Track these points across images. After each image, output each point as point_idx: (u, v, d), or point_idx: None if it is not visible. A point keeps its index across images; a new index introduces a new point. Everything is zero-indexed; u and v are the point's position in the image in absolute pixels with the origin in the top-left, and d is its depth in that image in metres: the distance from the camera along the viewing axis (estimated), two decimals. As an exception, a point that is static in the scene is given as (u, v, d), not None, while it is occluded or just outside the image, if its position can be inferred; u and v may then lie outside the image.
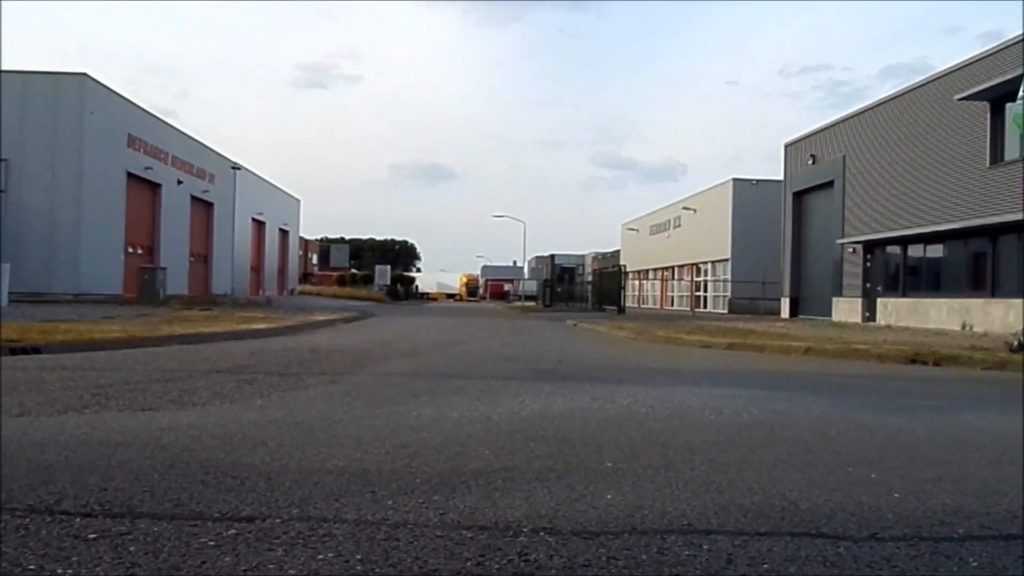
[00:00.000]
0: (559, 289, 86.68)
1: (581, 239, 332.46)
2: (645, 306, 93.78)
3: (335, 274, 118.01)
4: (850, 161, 48.28)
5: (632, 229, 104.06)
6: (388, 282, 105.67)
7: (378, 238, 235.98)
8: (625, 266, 63.88)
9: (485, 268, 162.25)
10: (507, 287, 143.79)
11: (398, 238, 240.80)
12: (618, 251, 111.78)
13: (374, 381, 12.64)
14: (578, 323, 37.50)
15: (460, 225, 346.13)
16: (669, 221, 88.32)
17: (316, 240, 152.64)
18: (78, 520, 5.49)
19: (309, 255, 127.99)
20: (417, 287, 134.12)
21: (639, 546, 5.29)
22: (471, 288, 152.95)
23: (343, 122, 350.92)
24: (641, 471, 7.11)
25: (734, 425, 9.41)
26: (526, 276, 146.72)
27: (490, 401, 10.78)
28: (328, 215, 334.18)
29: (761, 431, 9.10)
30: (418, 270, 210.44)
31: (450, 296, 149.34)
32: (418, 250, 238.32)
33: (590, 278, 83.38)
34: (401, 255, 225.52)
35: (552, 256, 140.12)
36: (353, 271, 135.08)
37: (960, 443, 8.75)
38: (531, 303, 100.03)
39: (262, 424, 8.74)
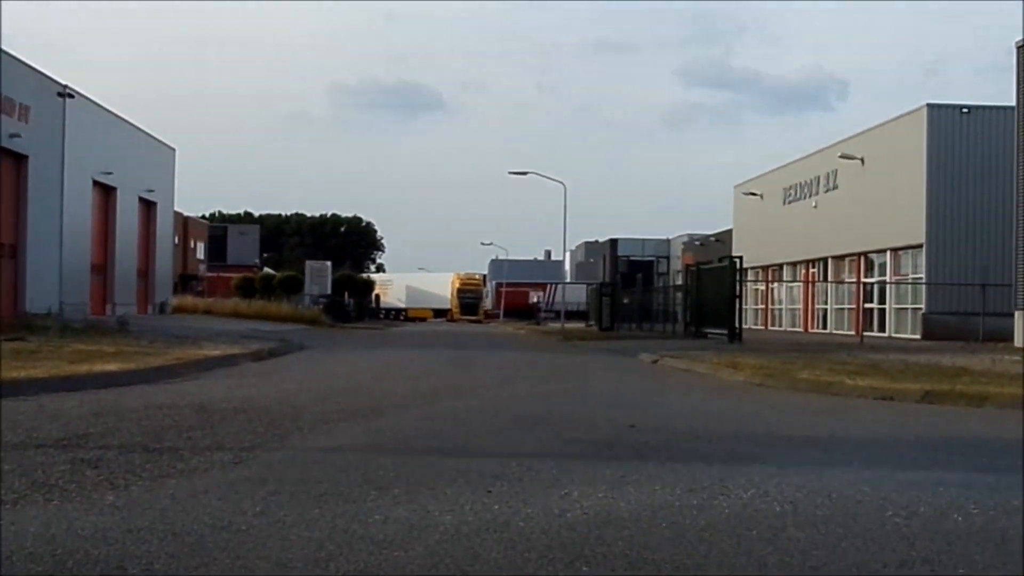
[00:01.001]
0: (626, 300, 60.00)
1: (662, 215, 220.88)
2: (776, 327, 63.09)
3: (236, 276, 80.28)
4: None
5: (752, 194, 69.06)
6: (328, 290, 72.65)
7: (311, 214, 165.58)
8: (741, 259, 41.83)
9: (495, 265, 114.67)
10: (535, 297, 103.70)
11: (345, 215, 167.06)
12: (728, 233, 75.26)
13: (307, 461, 9.28)
14: (661, 358, 27.92)
15: (451, 191, 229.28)
16: (817, 180, 58.58)
17: (203, 218, 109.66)
18: None
19: (192, 243, 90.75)
20: (378, 298, 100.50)
21: None
22: (469, 298, 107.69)
23: (250, 16, 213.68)
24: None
25: (940, 535, 6.48)
26: (568, 278, 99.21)
27: (511, 495, 7.64)
28: (225, 176, 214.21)
29: (989, 546, 6.21)
30: (380, 268, 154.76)
31: (439, 314, 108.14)
32: (380, 235, 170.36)
33: (679, 280, 61.09)
34: (351, 244, 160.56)
35: (613, 244, 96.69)
36: (267, 270, 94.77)
37: None
38: (577, 324, 71.06)
39: (115, 536, 6.18)
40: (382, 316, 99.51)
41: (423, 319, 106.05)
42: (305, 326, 52.03)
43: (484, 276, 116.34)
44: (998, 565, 5.85)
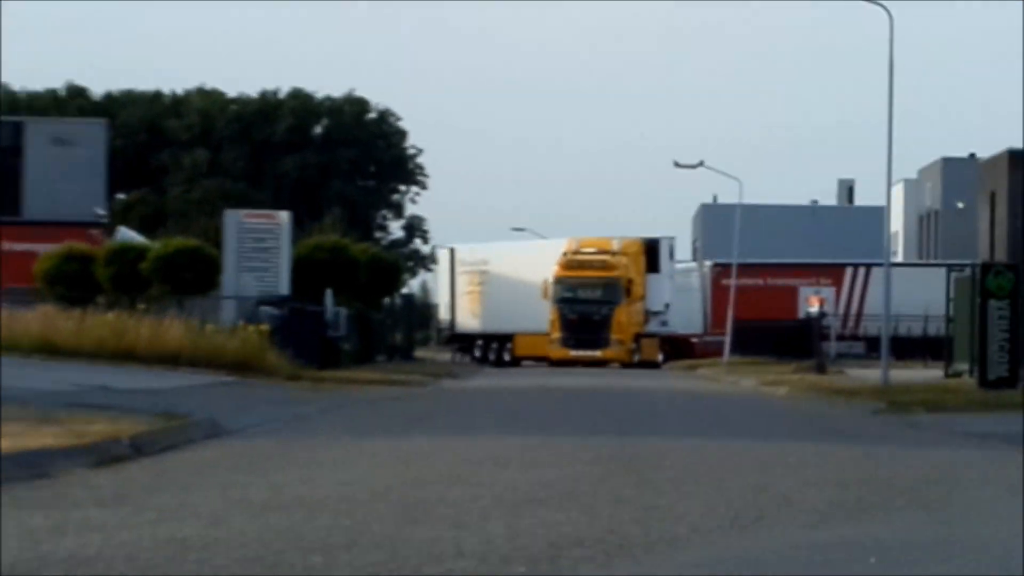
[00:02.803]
0: None
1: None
2: None
3: (47, 248, 43.78)
4: None
5: None
6: (285, 285, 38.58)
7: (251, 93, 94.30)
8: None
9: (709, 216, 79.06)
10: (809, 300, 54.38)
11: (336, 91, 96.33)
12: None
13: None
14: None
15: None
16: None
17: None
18: None
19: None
20: (451, 322, 63.86)
21: None
22: (587, 305, 56.35)
23: None
24: None
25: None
26: (899, 252, 66.72)
27: None
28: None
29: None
30: (412, 231, 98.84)
31: (579, 341, 56.28)
32: (416, 153, 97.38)
33: None
34: (356, 166, 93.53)
35: (1017, 157, 47.56)
36: (127, 233, 51.14)
37: None
38: (917, 370, 41.45)
39: None
40: (454, 348, 63.67)
41: (540, 358, 59.28)
42: (227, 375, 29.74)
43: (647, 244, 59.55)
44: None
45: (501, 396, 30.49)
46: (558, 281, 56.44)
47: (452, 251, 66.02)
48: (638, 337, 57.09)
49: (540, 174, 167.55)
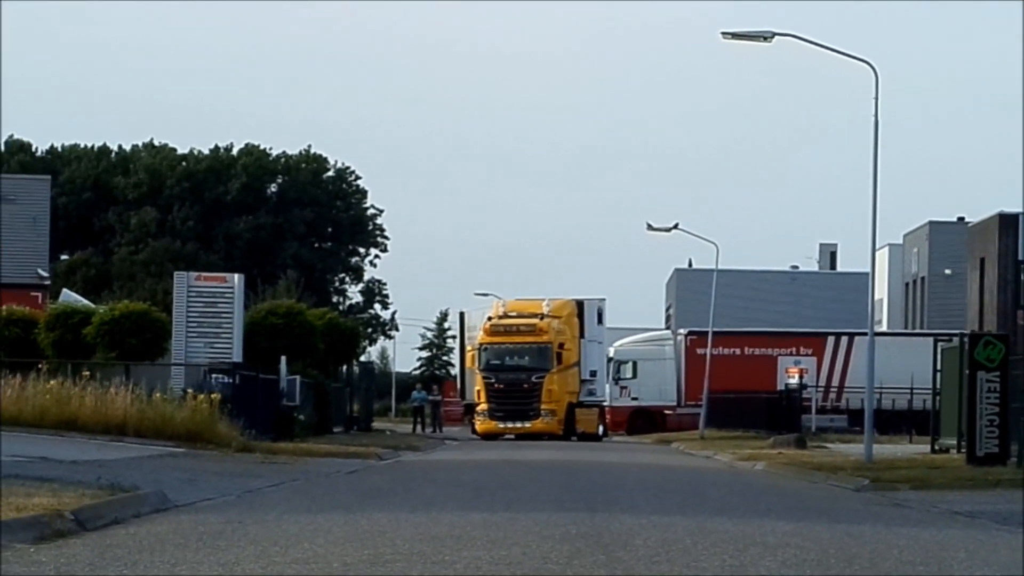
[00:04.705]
0: None
1: None
2: None
3: None
4: None
5: None
6: (238, 352, 37.23)
7: (203, 149, 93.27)
8: None
9: (682, 280, 79.62)
10: (790, 369, 55.01)
11: (296, 150, 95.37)
12: None
13: None
14: None
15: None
16: None
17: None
18: None
19: None
20: (461, 390, 62.09)
21: None
22: (513, 375, 52.95)
23: None
24: None
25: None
26: (884, 320, 68.09)
27: None
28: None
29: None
30: (372, 294, 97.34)
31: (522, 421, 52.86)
32: (376, 213, 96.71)
33: None
34: (316, 227, 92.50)
35: (1007, 223, 51.69)
36: (70, 296, 47.82)
37: None
38: (902, 445, 41.27)
39: None
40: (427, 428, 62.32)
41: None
42: (176, 446, 29.70)
43: (582, 305, 56.45)
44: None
45: (464, 470, 30.09)
46: (484, 348, 53.23)
47: (462, 316, 62.48)
48: (572, 407, 53.43)
49: (508, 236, 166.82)
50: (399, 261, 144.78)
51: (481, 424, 53.59)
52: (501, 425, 52.73)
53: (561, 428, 52.66)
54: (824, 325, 67.52)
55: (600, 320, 57.03)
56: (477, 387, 53.75)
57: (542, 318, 53.40)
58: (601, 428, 55.47)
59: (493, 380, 52.84)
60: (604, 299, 58.88)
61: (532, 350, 52.82)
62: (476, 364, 53.79)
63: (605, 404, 58.39)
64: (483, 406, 53.14)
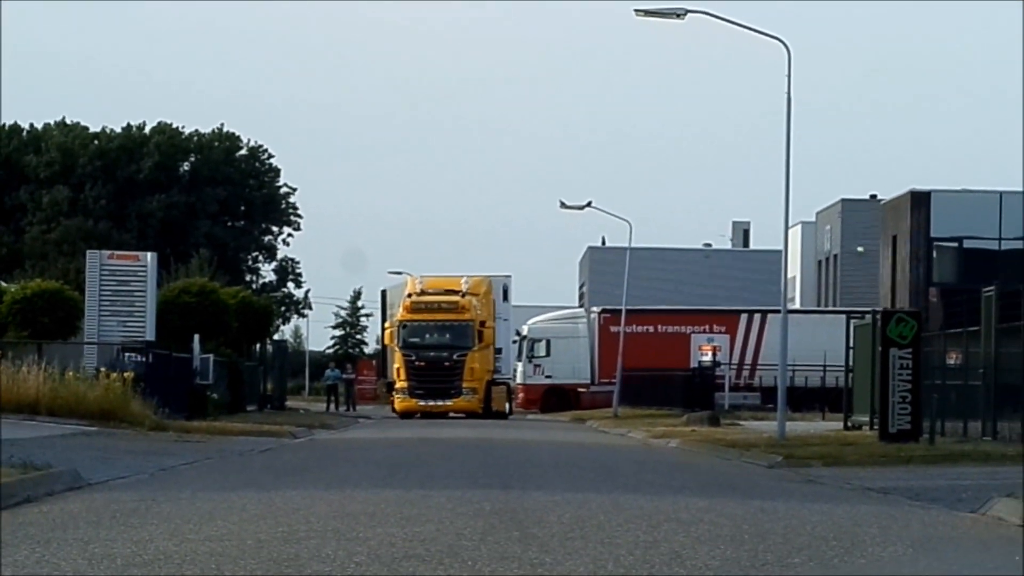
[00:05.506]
0: (954, 360, 31.85)
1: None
2: None
3: None
4: None
5: None
6: (151, 331, 38.77)
7: (115, 127, 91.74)
8: None
9: (596, 258, 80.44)
10: (703, 347, 57.13)
11: (205, 126, 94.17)
12: None
13: None
14: None
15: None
16: None
17: None
18: None
19: None
20: (381, 368, 64.40)
21: None
22: (435, 353, 51.61)
23: None
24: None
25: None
26: (797, 297, 69.19)
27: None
28: None
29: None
30: (286, 271, 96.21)
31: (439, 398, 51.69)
32: (289, 191, 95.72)
33: None
34: (227, 205, 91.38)
35: (919, 200, 54.29)
36: None
37: None
38: (815, 422, 40.25)
39: None
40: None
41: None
42: (89, 425, 29.35)
43: (501, 284, 57.45)
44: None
45: (378, 448, 29.67)
46: (403, 325, 52.16)
47: (384, 293, 62.44)
48: (489, 385, 53.02)
49: (421, 213, 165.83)
50: (312, 240, 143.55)
51: (400, 402, 52.58)
52: (421, 403, 51.64)
53: (481, 406, 52.06)
54: (737, 303, 67.17)
55: (506, 297, 56.65)
56: (396, 364, 52.60)
57: (463, 295, 52.49)
58: (507, 406, 55.18)
59: (414, 358, 51.70)
60: (510, 276, 58.18)
61: (454, 328, 51.74)
62: (395, 341, 52.86)
63: (512, 382, 58.27)
64: (402, 384, 51.97)
